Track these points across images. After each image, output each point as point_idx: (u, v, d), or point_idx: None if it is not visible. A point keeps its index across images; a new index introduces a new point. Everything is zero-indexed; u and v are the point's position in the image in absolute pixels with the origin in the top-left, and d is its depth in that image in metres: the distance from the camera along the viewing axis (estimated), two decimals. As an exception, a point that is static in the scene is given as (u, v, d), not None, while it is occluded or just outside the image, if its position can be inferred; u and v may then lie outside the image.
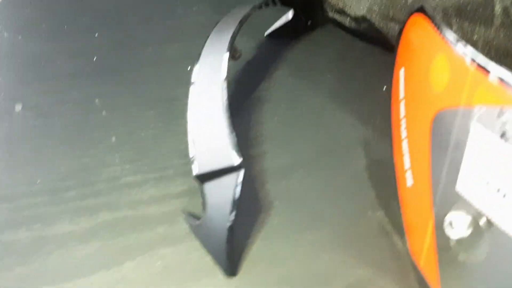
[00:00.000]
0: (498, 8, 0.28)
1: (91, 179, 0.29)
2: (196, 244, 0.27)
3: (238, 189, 0.24)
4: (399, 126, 0.27)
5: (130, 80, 0.35)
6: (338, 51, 0.39)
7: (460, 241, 0.22)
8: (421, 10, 0.25)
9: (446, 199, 0.22)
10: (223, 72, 0.27)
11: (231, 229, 0.24)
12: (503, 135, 0.19)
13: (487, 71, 0.19)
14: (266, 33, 0.39)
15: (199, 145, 0.25)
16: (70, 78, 0.35)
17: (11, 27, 0.39)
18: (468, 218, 0.21)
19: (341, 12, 0.37)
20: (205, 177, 0.25)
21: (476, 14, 0.29)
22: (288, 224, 0.28)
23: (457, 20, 0.30)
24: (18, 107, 0.33)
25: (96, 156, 0.31)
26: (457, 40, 0.21)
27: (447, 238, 0.23)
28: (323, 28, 0.40)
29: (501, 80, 0.19)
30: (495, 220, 0.20)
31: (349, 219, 0.29)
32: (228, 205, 0.24)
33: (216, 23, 0.31)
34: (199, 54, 0.28)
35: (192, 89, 0.27)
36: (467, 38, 0.30)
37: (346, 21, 0.38)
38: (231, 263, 0.25)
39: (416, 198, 0.25)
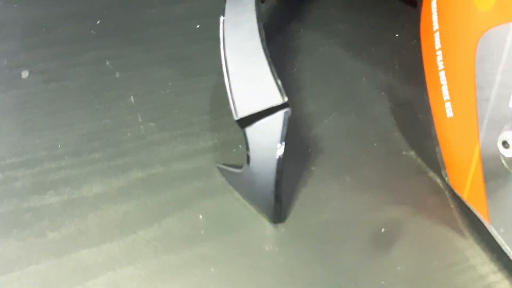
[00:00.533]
0: None
1: (115, 139, 0.28)
2: (235, 195, 0.26)
3: (285, 128, 0.23)
4: (434, 59, 0.27)
5: (138, 40, 0.34)
6: (346, 1, 0.38)
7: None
8: None
9: (497, 120, 0.22)
10: (257, 12, 0.26)
11: (279, 171, 0.23)
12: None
13: None
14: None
15: (239, 86, 0.24)
16: (75, 42, 0.33)
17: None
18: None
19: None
20: (247, 121, 0.24)
21: None
22: (326, 170, 0.27)
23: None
24: (25, 74, 0.31)
25: (117, 116, 0.29)
26: None
27: (497, 162, 0.23)
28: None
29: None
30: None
31: (384, 160, 0.28)
32: (274, 147, 0.23)
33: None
34: (224, 8, 0.27)
35: (225, 29, 0.26)
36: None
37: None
38: (278, 209, 0.24)
39: (459, 128, 0.25)
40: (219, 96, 0.31)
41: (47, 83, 0.31)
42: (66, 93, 0.30)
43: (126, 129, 0.29)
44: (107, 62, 0.32)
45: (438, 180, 0.28)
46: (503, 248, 0.24)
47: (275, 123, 0.23)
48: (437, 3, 0.26)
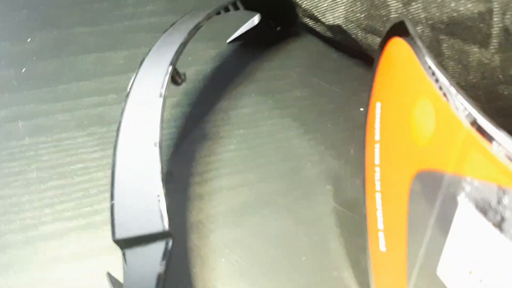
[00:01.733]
0: (496, 28, 0.23)
1: (1, 229, 0.24)
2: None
3: (165, 261, 0.19)
4: (373, 173, 0.22)
5: (63, 95, 0.30)
6: (310, 63, 0.33)
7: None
8: (401, 28, 0.19)
9: (423, 282, 0.18)
10: (158, 108, 0.21)
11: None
12: (498, 224, 0.14)
13: (488, 137, 0.14)
14: (229, 40, 0.34)
15: (123, 202, 0.20)
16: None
17: None
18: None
19: (315, 18, 0.31)
20: (126, 243, 0.20)
21: (470, 32, 0.24)
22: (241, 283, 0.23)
23: (447, 37, 0.25)
24: None
25: (11, 196, 0.25)
26: (450, 84, 0.16)
27: None
28: (294, 35, 0.35)
29: (506, 152, 0.14)
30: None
31: (310, 279, 0.24)
32: (151, 281, 0.19)
33: (163, 34, 0.25)
34: (133, 79, 0.23)
35: (122, 123, 0.22)
36: (457, 59, 0.25)
37: (320, 28, 0.32)
38: None
39: (390, 269, 0.20)
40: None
41: None
42: (-36, 160, 0.27)
43: (18, 214, 0.25)
44: (20, 124, 0.28)
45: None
46: None
47: (155, 252, 0.19)
48: (381, 109, 0.22)
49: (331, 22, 0.30)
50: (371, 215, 0.22)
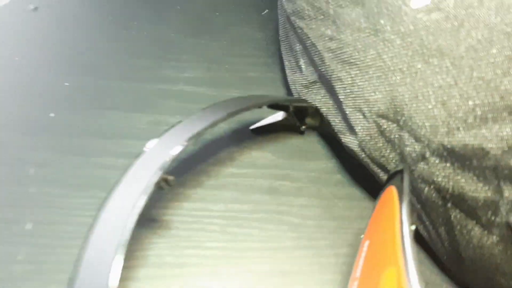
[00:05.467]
0: (500, 217, 0.21)
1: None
2: None
3: None
4: None
5: (76, 149, 0.31)
6: (324, 173, 0.33)
7: None
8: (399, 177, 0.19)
9: None
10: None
11: None
12: None
13: None
14: (252, 127, 0.34)
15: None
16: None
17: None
18: None
19: (342, 133, 0.31)
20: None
21: (474, 210, 0.22)
22: None
23: (454, 208, 0.23)
24: None
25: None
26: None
27: None
28: (318, 138, 0.34)
29: None
30: None
31: None
32: None
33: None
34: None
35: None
36: (459, 229, 0.24)
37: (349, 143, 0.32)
38: None
39: None
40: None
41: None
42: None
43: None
44: (32, 171, 0.30)
45: None
46: None
47: None
48: (367, 249, 0.21)
49: (348, 145, 0.29)
50: None
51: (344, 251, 0.29)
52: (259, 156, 0.33)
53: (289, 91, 0.35)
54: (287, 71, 0.35)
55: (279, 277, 0.27)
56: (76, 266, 0.21)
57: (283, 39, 0.35)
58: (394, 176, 0.22)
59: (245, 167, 0.32)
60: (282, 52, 0.36)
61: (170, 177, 0.24)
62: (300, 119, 0.33)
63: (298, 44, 0.32)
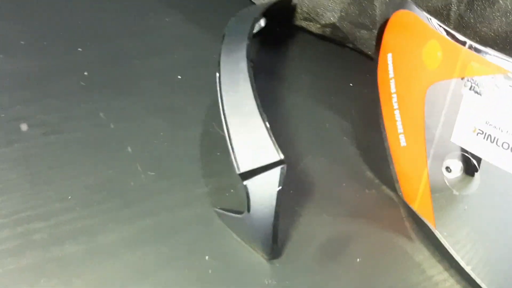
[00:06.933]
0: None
1: (121, 189, 0.31)
2: (233, 236, 0.30)
3: (281, 181, 0.28)
4: (390, 100, 0.33)
5: (127, 92, 0.37)
6: (308, 54, 0.44)
7: (454, 180, 0.29)
8: (407, 6, 0.31)
9: (441, 151, 0.29)
10: (250, 78, 0.30)
11: (277, 217, 0.28)
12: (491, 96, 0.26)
13: (480, 51, 0.26)
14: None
15: (240, 144, 0.28)
16: (67, 95, 0.36)
17: (-12, 45, 0.38)
18: (460, 163, 0.28)
19: (309, 20, 0.42)
20: (248, 174, 0.28)
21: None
22: (307, 209, 0.32)
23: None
24: (24, 127, 0.33)
25: (118, 167, 0.32)
26: (448, 29, 0.27)
27: (441, 181, 0.30)
28: (291, 34, 0.45)
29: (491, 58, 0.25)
30: (486, 159, 0.27)
31: (351, 194, 0.34)
32: (272, 197, 0.28)
33: (226, 30, 0.34)
34: (218, 63, 0.31)
35: (223, 95, 0.30)
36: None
37: (313, 28, 0.43)
38: (275, 248, 0.29)
39: (411, 155, 0.32)
40: (207, 145, 0.35)
41: (46, 136, 0.33)
42: (66, 145, 0.33)
43: (129, 179, 0.32)
44: (101, 114, 0.35)
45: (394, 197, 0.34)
46: (449, 250, 0.30)
47: (273, 177, 0.28)
48: (392, 57, 0.33)
49: (327, 21, 0.40)
50: (391, 127, 0.33)
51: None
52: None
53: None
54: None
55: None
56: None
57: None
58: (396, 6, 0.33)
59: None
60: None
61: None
62: (275, 22, 0.43)
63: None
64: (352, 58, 0.44)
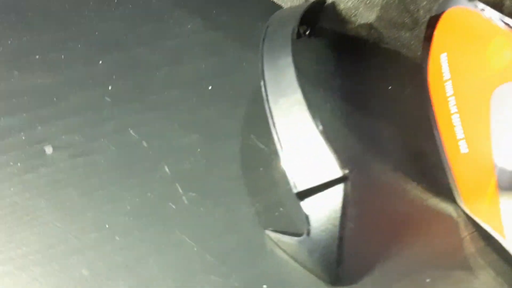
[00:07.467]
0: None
1: (162, 213, 0.28)
2: (290, 260, 0.27)
3: (346, 200, 0.25)
4: (445, 103, 0.30)
5: (155, 106, 0.34)
6: (340, 57, 0.41)
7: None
8: (463, 3, 0.28)
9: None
10: (298, 87, 0.27)
11: (341, 239, 0.25)
12: None
13: None
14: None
15: (295, 159, 0.26)
16: (92, 111, 0.33)
17: (1, 61, 0.35)
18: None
19: (341, 21, 0.39)
20: (306, 193, 0.25)
21: None
22: (363, 227, 0.30)
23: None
24: (49, 149, 0.30)
25: (156, 189, 0.29)
26: None
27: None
28: (322, 36, 0.42)
29: None
30: None
31: (407, 207, 0.31)
32: (335, 218, 0.25)
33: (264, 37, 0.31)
34: (262, 71, 0.29)
35: (271, 106, 0.27)
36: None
37: (347, 29, 0.40)
38: (339, 273, 0.26)
39: (474, 162, 0.29)
40: (247, 160, 0.32)
41: (74, 158, 0.30)
42: (96, 168, 0.30)
43: (169, 202, 0.29)
44: (130, 131, 0.32)
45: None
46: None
47: (336, 195, 0.25)
48: (448, 57, 0.30)
49: (364, 21, 0.38)
50: (448, 133, 0.30)
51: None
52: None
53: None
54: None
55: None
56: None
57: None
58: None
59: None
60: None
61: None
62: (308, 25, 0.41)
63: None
64: (388, 59, 0.41)
